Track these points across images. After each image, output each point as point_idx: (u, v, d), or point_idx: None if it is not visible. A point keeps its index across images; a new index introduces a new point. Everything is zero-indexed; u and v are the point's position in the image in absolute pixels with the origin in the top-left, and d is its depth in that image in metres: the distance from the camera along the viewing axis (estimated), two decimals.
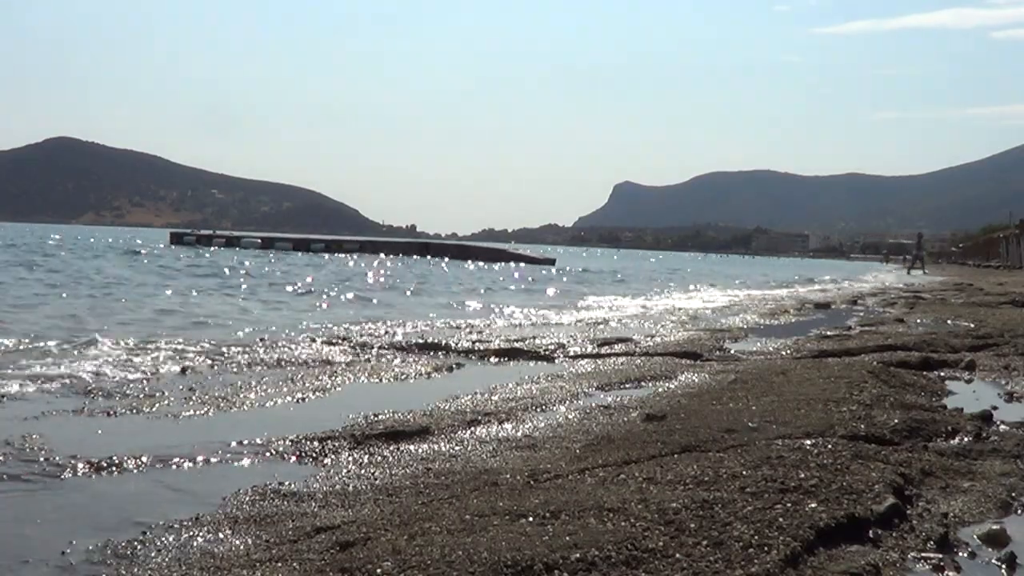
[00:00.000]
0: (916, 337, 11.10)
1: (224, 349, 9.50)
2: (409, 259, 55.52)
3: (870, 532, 3.45)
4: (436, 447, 5.15)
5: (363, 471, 4.61)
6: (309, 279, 27.48)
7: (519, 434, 5.45)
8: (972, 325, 13.21)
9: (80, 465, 4.66)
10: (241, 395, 6.86)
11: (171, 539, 3.55)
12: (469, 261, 55.70)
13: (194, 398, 6.68)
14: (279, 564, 3.17)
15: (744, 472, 3.99)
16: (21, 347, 9.08)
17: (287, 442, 5.26)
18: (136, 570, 3.23)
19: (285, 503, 4.05)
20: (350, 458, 4.92)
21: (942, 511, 3.85)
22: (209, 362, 8.60)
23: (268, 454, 5.05)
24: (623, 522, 3.34)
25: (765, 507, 3.50)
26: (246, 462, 4.89)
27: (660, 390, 7.16)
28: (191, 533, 3.62)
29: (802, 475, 3.92)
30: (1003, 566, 3.33)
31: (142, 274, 27.29)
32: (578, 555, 3.00)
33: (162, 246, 62.23)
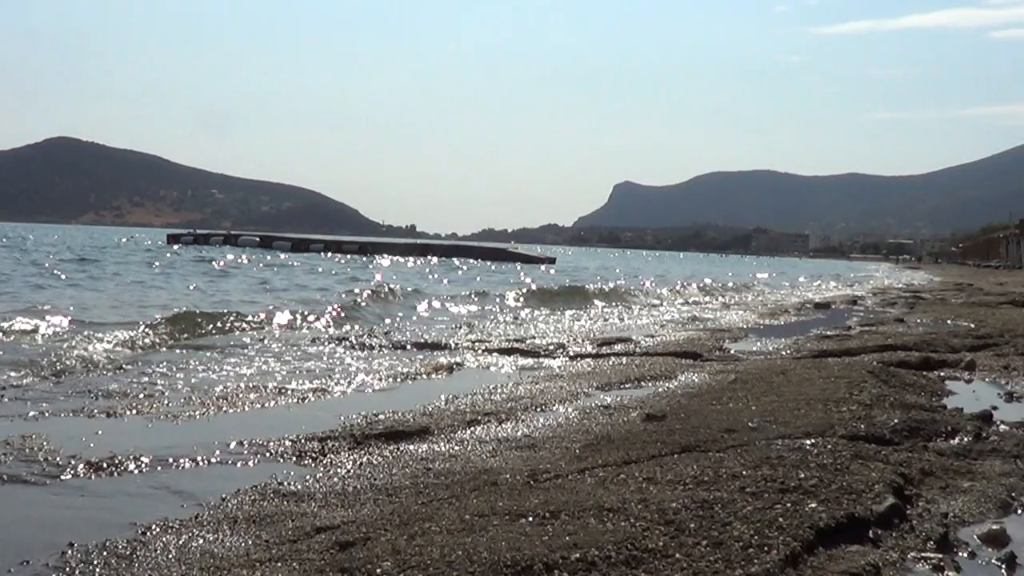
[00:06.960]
0: (916, 337, 11.10)
1: None
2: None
3: (870, 532, 3.45)
4: (436, 447, 5.14)
5: (363, 471, 4.60)
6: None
7: (519, 434, 5.45)
8: (972, 325, 13.22)
9: (80, 465, 4.65)
10: (241, 395, 6.85)
11: (171, 539, 3.54)
12: (471, 260, 55.47)
13: (194, 398, 6.68)
14: (279, 564, 3.16)
15: (744, 472, 3.99)
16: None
17: (287, 442, 5.26)
18: (136, 570, 3.22)
19: (285, 503, 4.04)
20: (350, 458, 4.91)
21: (942, 511, 3.85)
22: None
23: (268, 454, 5.04)
24: (623, 522, 3.34)
25: (765, 507, 3.50)
26: (246, 462, 4.89)
27: (660, 390, 7.15)
28: (191, 533, 3.61)
29: (802, 475, 3.92)
30: (1003, 566, 3.33)
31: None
32: (578, 555, 3.00)
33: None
